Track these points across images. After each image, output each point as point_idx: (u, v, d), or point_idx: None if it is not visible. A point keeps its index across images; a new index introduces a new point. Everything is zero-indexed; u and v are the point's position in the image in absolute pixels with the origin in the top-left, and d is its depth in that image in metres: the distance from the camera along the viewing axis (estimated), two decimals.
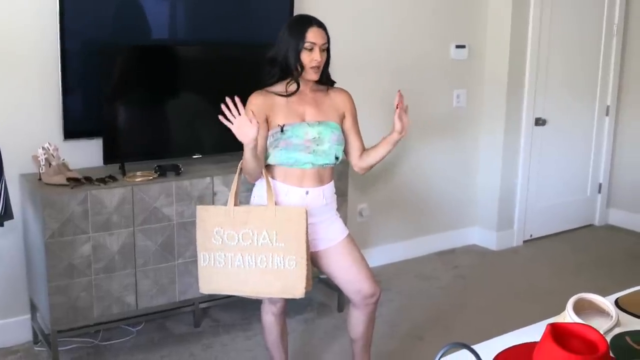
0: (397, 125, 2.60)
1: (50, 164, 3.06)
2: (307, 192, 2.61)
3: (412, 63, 4.44)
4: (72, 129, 3.28)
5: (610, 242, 5.18)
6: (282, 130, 2.55)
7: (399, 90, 2.59)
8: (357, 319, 2.77)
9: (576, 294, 1.73)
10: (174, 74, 3.42)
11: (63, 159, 3.13)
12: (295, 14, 3.70)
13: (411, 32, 4.41)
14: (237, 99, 2.38)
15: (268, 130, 2.58)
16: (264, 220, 2.50)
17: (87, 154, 3.32)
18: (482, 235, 4.99)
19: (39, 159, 3.07)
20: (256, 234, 2.50)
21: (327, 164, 2.62)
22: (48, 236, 2.90)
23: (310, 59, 2.54)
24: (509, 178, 4.88)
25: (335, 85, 2.74)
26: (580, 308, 1.70)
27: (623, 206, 5.47)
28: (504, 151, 4.79)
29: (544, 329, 1.39)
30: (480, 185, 4.95)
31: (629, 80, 5.32)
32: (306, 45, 2.53)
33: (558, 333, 1.38)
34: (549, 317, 1.74)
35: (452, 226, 4.92)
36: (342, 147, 2.66)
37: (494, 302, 4.00)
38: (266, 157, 2.60)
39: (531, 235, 5.11)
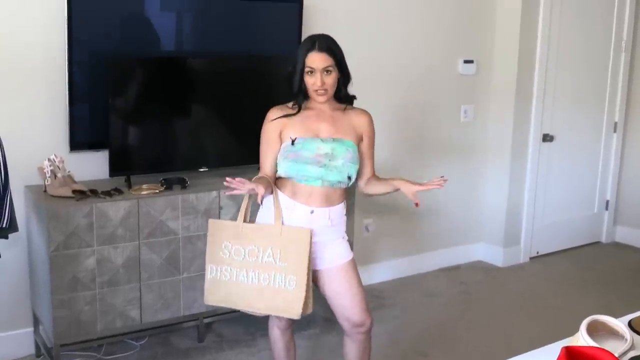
0: (412, 194, 2.55)
1: (55, 176, 3.04)
2: (312, 212, 2.56)
3: (420, 78, 4.43)
4: (78, 141, 3.27)
5: (617, 259, 5.15)
6: (292, 143, 2.53)
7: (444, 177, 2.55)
8: (348, 347, 2.73)
9: (583, 311, 1.71)
10: (180, 86, 3.40)
11: (69, 171, 3.12)
12: (304, 26, 3.71)
13: (419, 47, 4.40)
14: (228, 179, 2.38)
15: (281, 144, 2.56)
16: (270, 238, 2.52)
17: (93, 166, 3.31)
18: (488, 251, 4.96)
19: (44, 170, 3.05)
20: (261, 251, 2.52)
21: (339, 182, 2.56)
22: (52, 249, 2.88)
23: (311, 82, 2.52)
24: (516, 194, 4.85)
25: (354, 102, 2.68)
26: (593, 329, 1.67)
27: (630, 223, 5.43)
28: (511, 167, 4.77)
29: (558, 351, 1.37)
30: (486, 200, 4.92)
31: (637, 97, 5.30)
32: (306, 69, 2.52)
33: (573, 356, 1.35)
34: (555, 335, 1.72)
35: (458, 242, 4.88)
36: (357, 167, 2.59)
37: (499, 319, 3.97)
38: (276, 170, 2.58)
39: (538, 252, 5.08)
